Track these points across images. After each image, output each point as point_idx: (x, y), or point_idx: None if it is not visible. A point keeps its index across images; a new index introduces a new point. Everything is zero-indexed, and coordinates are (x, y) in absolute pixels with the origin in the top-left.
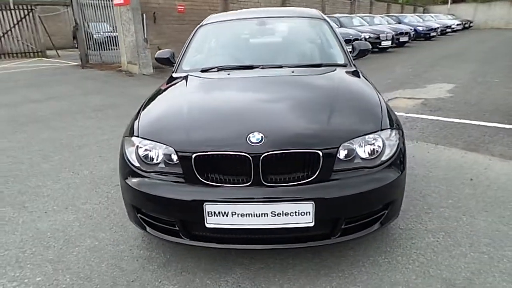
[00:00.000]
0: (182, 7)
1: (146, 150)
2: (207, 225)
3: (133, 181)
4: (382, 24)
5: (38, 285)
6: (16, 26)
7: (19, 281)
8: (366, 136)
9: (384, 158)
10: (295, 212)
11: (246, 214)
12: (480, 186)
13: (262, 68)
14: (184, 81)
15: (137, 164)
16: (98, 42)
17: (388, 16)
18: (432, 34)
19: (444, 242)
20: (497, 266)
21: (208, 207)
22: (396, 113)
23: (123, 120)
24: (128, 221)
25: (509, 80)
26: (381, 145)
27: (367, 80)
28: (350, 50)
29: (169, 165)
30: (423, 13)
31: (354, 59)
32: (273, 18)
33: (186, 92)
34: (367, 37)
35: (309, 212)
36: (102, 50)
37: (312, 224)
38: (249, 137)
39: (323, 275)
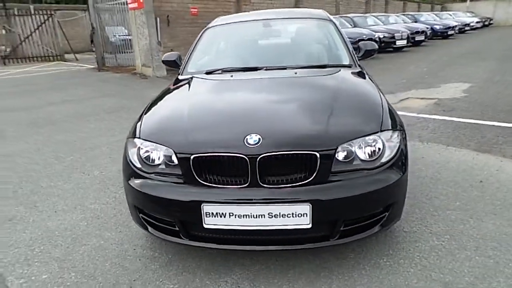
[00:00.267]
0: (195, 10)
1: (147, 151)
2: (205, 226)
3: (134, 182)
4: (397, 23)
5: (44, 283)
6: (37, 31)
7: (26, 278)
8: (366, 138)
9: (384, 159)
10: (292, 214)
11: (243, 215)
12: (489, 188)
13: (266, 69)
14: (187, 83)
15: (138, 165)
16: (114, 45)
17: (404, 15)
18: (450, 32)
19: (449, 245)
20: (502, 271)
21: (206, 208)
22: (407, 113)
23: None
24: (133, 221)
25: None
26: (381, 146)
27: (372, 81)
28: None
29: (169, 166)
30: (441, 11)
31: (359, 60)
32: (279, 20)
33: (187, 95)
34: (381, 36)
35: (306, 214)
36: (118, 53)
37: (309, 226)
38: (247, 138)
39: (323, 277)
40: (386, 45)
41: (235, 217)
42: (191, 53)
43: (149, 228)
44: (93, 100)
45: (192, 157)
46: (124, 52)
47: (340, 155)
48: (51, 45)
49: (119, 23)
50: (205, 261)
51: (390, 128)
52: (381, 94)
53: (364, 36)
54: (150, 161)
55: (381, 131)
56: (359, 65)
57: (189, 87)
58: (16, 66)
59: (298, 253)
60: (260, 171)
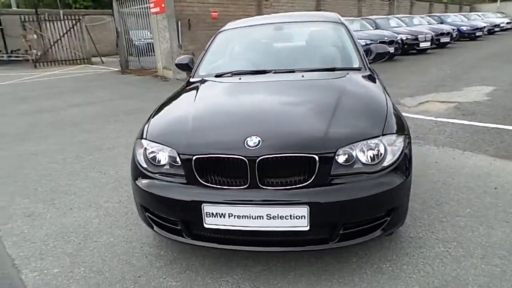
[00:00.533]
0: (216, 14)
1: (153, 152)
2: (206, 225)
3: (141, 181)
4: (421, 25)
5: (55, 276)
6: (65, 35)
7: (39, 272)
8: (367, 141)
9: (386, 163)
10: (290, 216)
11: (243, 216)
12: (504, 195)
13: (275, 72)
14: (196, 86)
15: (144, 165)
16: (139, 49)
17: (429, 16)
18: (478, 33)
19: (455, 252)
20: (508, 280)
21: (206, 208)
22: (425, 117)
23: None
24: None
25: None
26: (382, 150)
27: (381, 84)
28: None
29: (174, 167)
30: (470, 12)
31: (370, 63)
32: (290, 23)
33: (194, 97)
34: (404, 38)
35: (304, 216)
36: (142, 56)
37: (307, 228)
38: (247, 140)
39: (323, 280)
40: (409, 47)
41: (234, 218)
42: (202, 57)
43: (155, 227)
44: (114, 102)
45: (194, 158)
46: (147, 55)
47: (341, 158)
48: (78, 49)
49: (143, 26)
50: (209, 260)
51: (393, 132)
52: (387, 98)
53: (386, 38)
54: (156, 161)
55: (383, 135)
56: (369, 68)
57: (198, 89)
58: (45, 69)
59: (300, 255)
60: (260, 173)
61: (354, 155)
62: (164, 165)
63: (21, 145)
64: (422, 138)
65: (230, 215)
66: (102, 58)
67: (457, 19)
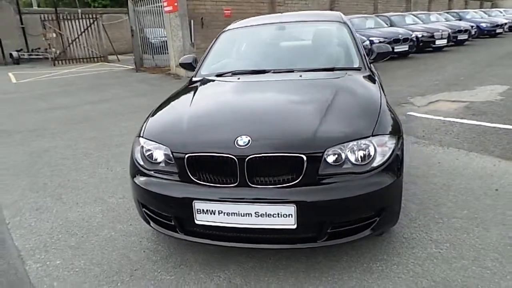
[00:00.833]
0: (229, 12)
1: (149, 150)
2: (197, 222)
3: (137, 178)
4: (438, 22)
5: (57, 267)
6: (83, 34)
7: (42, 263)
8: (356, 142)
9: (375, 164)
10: (278, 214)
11: (232, 213)
12: (504, 197)
13: (274, 72)
14: (196, 85)
15: (141, 163)
16: (154, 47)
17: (448, 13)
18: (498, 30)
19: (447, 253)
20: (497, 283)
21: (197, 205)
22: (433, 117)
23: None
24: None
25: None
26: (372, 151)
27: (379, 85)
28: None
29: (169, 165)
30: (491, 8)
31: (371, 62)
32: (292, 23)
33: (192, 96)
34: (419, 36)
35: (291, 215)
36: (156, 54)
37: (294, 227)
38: (237, 140)
39: (313, 278)
40: (425, 45)
41: (224, 215)
42: (205, 56)
43: (151, 223)
44: (127, 99)
45: (186, 156)
46: (162, 53)
47: (330, 158)
48: (95, 47)
49: (159, 25)
50: (203, 256)
51: (385, 133)
52: (382, 98)
53: (400, 36)
54: (153, 159)
55: (373, 135)
56: (369, 69)
57: (196, 89)
58: (63, 67)
59: (292, 253)
60: (249, 172)
61: (344, 155)
62: (160, 162)
63: (35, 141)
64: (427, 138)
65: (220, 212)
66: (119, 56)
67: (476, 16)
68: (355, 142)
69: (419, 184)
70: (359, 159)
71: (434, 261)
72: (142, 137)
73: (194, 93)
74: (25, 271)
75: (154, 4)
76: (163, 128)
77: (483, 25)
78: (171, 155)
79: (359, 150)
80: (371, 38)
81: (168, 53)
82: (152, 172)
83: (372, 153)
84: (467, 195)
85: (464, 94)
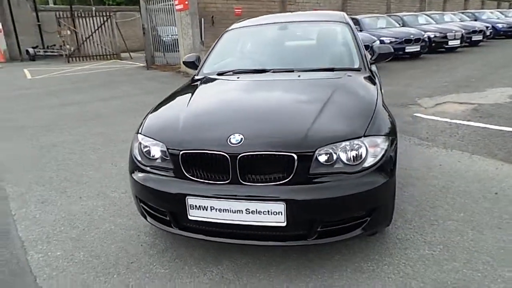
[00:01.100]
0: (239, 10)
1: (146, 146)
2: (190, 217)
3: (135, 173)
4: (452, 22)
5: (57, 258)
6: (96, 31)
7: (44, 253)
8: (348, 142)
9: (366, 164)
10: (268, 211)
11: (223, 210)
12: (503, 201)
13: (273, 72)
14: (197, 83)
15: (139, 158)
16: (166, 44)
17: (463, 13)
18: None
19: (439, 255)
20: (487, 286)
21: (190, 201)
22: (439, 119)
23: None
24: None
25: None
26: (363, 151)
27: (379, 86)
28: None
29: (165, 161)
30: (509, 8)
31: (372, 63)
32: (294, 23)
33: (192, 94)
34: (431, 36)
35: (281, 212)
36: (168, 52)
37: (284, 224)
38: (230, 138)
39: (303, 275)
40: (437, 45)
41: (216, 211)
42: (208, 55)
43: (148, 218)
44: (136, 97)
45: (181, 153)
46: (173, 51)
47: (322, 158)
48: (109, 45)
49: (171, 23)
50: (199, 251)
51: (378, 134)
52: (378, 100)
53: (412, 36)
54: (150, 155)
55: (365, 136)
56: (369, 69)
57: (197, 87)
58: (77, 64)
59: (286, 251)
60: (241, 169)
61: (335, 155)
62: (156, 159)
63: (45, 136)
64: (431, 140)
65: (212, 208)
66: (132, 53)
67: (492, 16)
68: (347, 142)
69: (418, 186)
70: (351, 159)
71: (425, 263)
72: (140, 133)
73: (194, 91)
74: (26, 261)
75: (166, 2)
76: (160, 125)
77: (499, 25)
78: (167, 152)
79: (351, 150)
80: (381, 38)
81: (179, 51)
82: (149, 168)
83: (363, 154)
84: (465, 198)
85: (473, 96)
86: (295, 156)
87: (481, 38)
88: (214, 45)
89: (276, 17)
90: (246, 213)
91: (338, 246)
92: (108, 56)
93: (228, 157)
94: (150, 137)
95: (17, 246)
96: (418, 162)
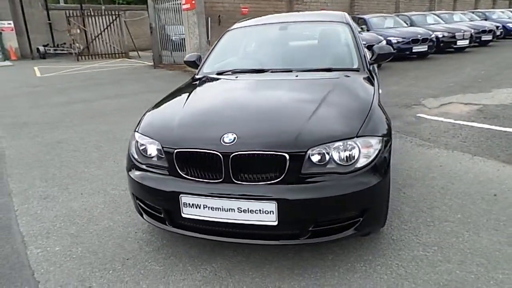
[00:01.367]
0: (246, 10)
1: (143, 144)
2: (183, 215)
3: (132, 171)
4: (461, 22)
5: (55, 254)
6: (105, 30)
7: (43, 249)
8: (341, 142)
9: (359, 165)
10: (259, 210)
11: (216, 208)
12: (501, 202)
13: (272, 72)
14: (196, 83)
15: (136, 156)
16: (174, 44)
17: (473, 12)
18: None
19: (433, 257)
20: None
21: (183, 199)
22: (443, 119)
23: None
24: None
25: None
26: (356, 152)
27: (377, 87)
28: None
29: (160, 159)
30: None
31: (371, 64)
32: (295, 23)
33: (190, 94)
34: (440, 36)
35: (272, 212)
36: (175, 51)
37: (275, 223)
38: (223, 137)
39: (296, 274)
40: (445, 45)
41: (209, 209)
42: (208, 55)
43: (144, 215)
44: (141, 95)
45: (175, 151)
46: (180, 50)
47: (315, 158)
48: (117, 43)
49: (179, 22)
50: (194, 249)
51: (370, 134)
52: (374, 100)
53: (419, 36)
54: (147, 154)
55: (358, 136)
56: (368, 70)
57: (196, 86)
58: (86, 62)
59: (279, 250)
60: (233, 168)
61: (327, 155)
62: (152, 157)
63: (50, 133)
64: (433, 141)
65: (205, 206)
66: (140, 52)
67: (503, 16)
68: (340, 143)
69: (416, 186)
70: (344, 159)
71: (418, 264)
72: (138, 132)
73: (192, 90)
74: (26, 255)
75: (174, 1)
76: (157, 124)
77: (510, 25)
78: (162, 150)
79: (344, 150)
80: (388, 38)
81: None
82: (145, 166)
83: (356, 154)
84: (463, 199)
85: (479, 96)
86: (287, 156)
87: (490, 38)
88: (215, 45)
89: (277, 17)
90: (238, 211)
91: (332, 246)
92: (117, 55)
93: (221, 156)
94: (146, 136)
95: (18, 241)
96: (419, 163)
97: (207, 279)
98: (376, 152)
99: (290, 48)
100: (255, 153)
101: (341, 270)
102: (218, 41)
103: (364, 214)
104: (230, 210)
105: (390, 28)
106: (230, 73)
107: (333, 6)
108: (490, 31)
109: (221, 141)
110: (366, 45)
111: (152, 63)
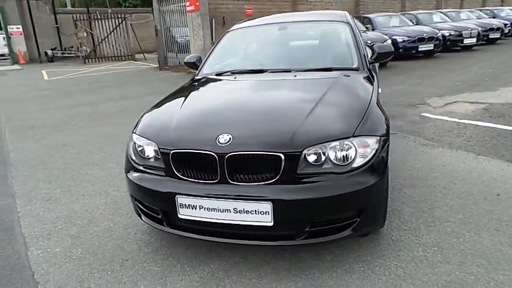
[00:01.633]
0: (251, 11)
1: (140, 145)
2: (180, 216)
3: (130, 172)
4: (468, 20)
5: (56, 255)
6: (112, 33)
7: (43, 250)
8: (337, 142)
9: (355, 165)
10: (255, 211)
11: (212, 209)
12: (504, 202)
13: (271, 72)
14: (195, 84)
15: (133, 157)
16: (180, 45)
17: (481, 10)
18: None
19: (433, 257)
20: None
21: (179, 200)
22: (448, 118)
23: None
24: None
25: None
26: (352, 152)
27: (376, 86)
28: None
29: (157, 160)
30: None
31: (371, 63)
32: (294, 23)
33: (188, 94)
34: (446, 34)
35: (268, 212)
36: (180, 53)
37: (271, 224)
38: (219, 138)
39: (293, 275)
40: (452, 44)
41: (204, 210)
42: (208, 56)
43: (142, 216)
44: (146, 97)
45: (171, 152)
46: (185, 52)
47: (311, 158)
48: (123, 46)
49: (185, 24)
50: (191, 250)
51: (368, 134)
52: (373, 100)
53: (425, 35)
54: (144, 155)
55: (354, 136)
56: (368, 69)
57: (194, 87)
58: (93, 65)
59: (277, 250)
60: (229, 169)
61: (323, 155)
62: (150, 158)
63: (55, 136)
64: (437, 140)
65: (201, 207)
66: (146, 54)
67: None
68: (336, 142)
69: (418, 186)
70: (340, 159)
71: (418, 265)
72: (135, 133)
73: (190, 91)
74: (27, 256)
75: (179, 3)
76: (154, 125)
77: None
78: (158, 151)
79: (340, 150)
80: (394, 37)
81: (190, 52)
82: (143, 167)
83: (352, 154)
84: (465, 199)
85: (485, 95)
86: (282, 156)
87: (498, 36)
88: (215, 46)
89: (277, 18)
90: (234, 212)
91: (331, 247)
92: (123, 57)
93: (216, 156)
94: (144, 137)
95: (20, 242)
96: (421, 162)
97: (204, 280)
98: (373, 151)
99: (290, 48)
100: (250, 154)
101: (339, 271)
102: (218, 42)
103: (362, 214)
104: (226, 210)
105: (395, 27)
106: (229, 73)
107: (338, 5)
108: (498, 29)
109: (217, 141)
110: (371, 44)
111: (157, 65)
